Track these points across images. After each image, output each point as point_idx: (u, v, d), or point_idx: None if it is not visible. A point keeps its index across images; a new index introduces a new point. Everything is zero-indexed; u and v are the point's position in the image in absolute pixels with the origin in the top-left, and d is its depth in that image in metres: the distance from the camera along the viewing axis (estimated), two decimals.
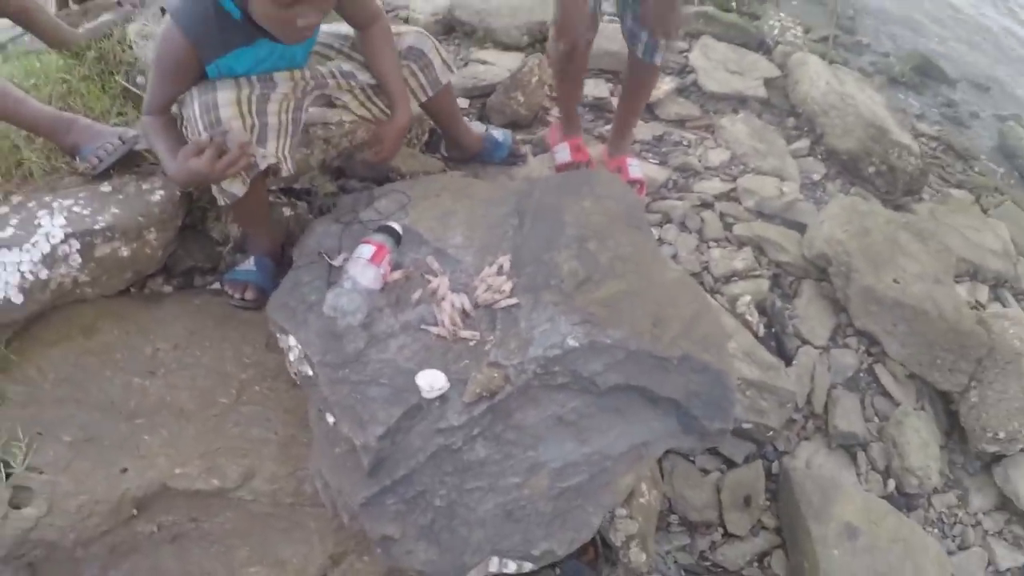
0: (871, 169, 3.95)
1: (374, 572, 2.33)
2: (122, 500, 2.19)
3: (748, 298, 3.29)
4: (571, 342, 2.29)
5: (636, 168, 3.49)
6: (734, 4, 4.64)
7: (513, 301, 2.42)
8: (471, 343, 2.32)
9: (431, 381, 2.17)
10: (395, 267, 2.51)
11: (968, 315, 3.45)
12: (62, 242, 2.46)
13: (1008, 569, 3.31)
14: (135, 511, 2.22)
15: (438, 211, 2.71)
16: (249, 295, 2.75)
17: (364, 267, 2.40)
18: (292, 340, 2.40)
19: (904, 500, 3.24)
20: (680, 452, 2.98)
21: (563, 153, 3.53)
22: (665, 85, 4.03)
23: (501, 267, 2.52)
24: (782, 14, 4.72)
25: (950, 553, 3.22)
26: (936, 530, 3.28)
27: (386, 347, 2.32)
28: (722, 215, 3.65)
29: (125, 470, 2.25)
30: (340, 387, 2.23)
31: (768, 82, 4.20)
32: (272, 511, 2.35)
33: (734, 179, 3.72)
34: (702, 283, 3.39)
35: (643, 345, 2.35)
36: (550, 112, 3.89)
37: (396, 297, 2.44)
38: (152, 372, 2.56)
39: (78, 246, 2.49)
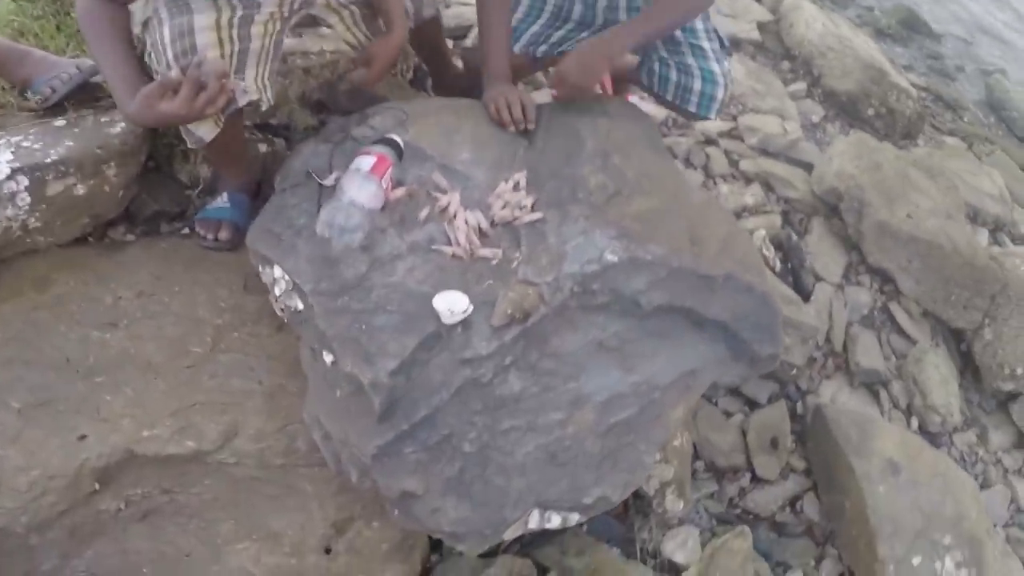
0: (870, 111, 3.56)
1: (388, 539, 1.81)
2: (81, 472, 1.68)
3: (763, 232, 2.85)
4: (609, 256, 1.80)
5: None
6: None
7: (538, 215, 1.92)
8: (493, 262, 1.81)
9: (451, 303, 1.65)
10: (397, 184, 2.01)
11: (981, 251, 3.07)
12: (8, 178, 1.89)
13: None
14: (97, 485, 1.71)
15: (441, 128, 2.19)
16: (223, 235, 2.19)
17: (363, 181, 1.88)
18: (278, 271, 1.88)
19: (928, 438, 2.84)
20: (722, 386, 2.54)
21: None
22: None
23: (518, 183, 2.03)
24: None
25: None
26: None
27: (392, 270, 1.79)
28: (727, 152, 3.21)
29: (84, 437, 1.71)
30: (339, 318, 1.70)
31: (761, 26, 3.79)
32: (260, 475, 1.82)
33: (734, 118, 3.30)
34: None
35: (685, 262, 1.88)
36: None
37: (400, 216, 1.92)
38: (113, 324, 1.99)
39: (27, 183, 1.92)
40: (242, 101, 1.84)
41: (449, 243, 1.86)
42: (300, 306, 1.81)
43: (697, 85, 2.35)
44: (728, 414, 2.58)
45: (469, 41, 3.32)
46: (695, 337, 1.92)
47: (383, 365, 1.59)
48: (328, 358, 1.70)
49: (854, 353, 2.83)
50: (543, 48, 2.48)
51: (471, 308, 1.67)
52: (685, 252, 1.93)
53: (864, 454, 2.38)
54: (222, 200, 2.25)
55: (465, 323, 1.67)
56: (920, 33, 4.55)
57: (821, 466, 2.53)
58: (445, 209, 1.93)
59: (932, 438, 2.84)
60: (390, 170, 1.95)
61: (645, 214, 1.98)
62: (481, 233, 1.90)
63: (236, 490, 1.81)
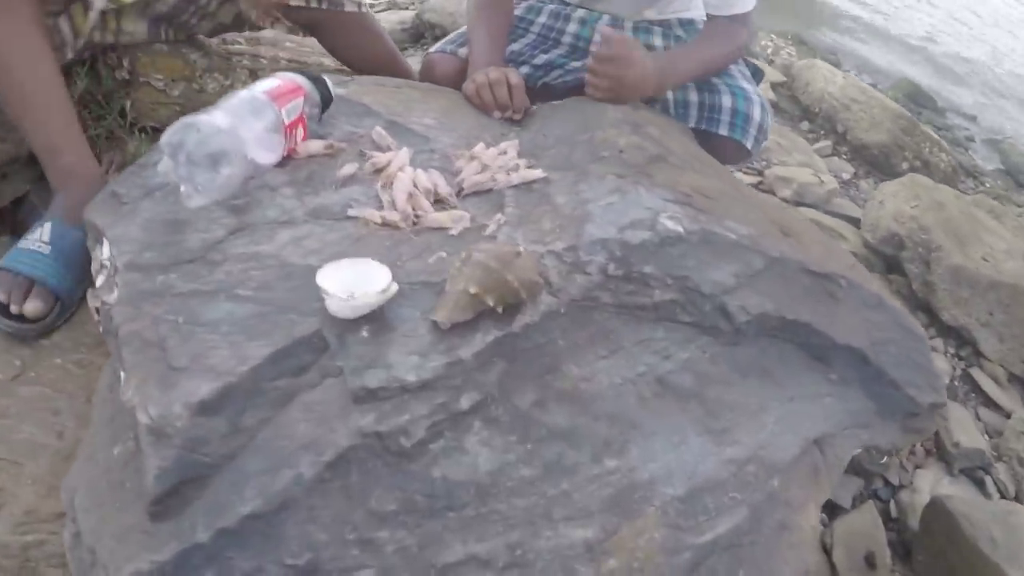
0: (904, 164, 2.61)
1: None
2: None
3: None
4: (668, 223, 0.79)
5: None
6: None
7: (538, 174, 0.92)
8: (452, 232, 0.80)
9: (353, 279, 0.64)
10: (312, 137, 1.05)
11: None
12: None
13: None
14: None
15: (399, 97, 1.24)
16: (31, 306, 0.97)
17: (254, 107, 0.92)
18: (104, 248, 0.90)
19: None
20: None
21: None
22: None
23: (504, 152, 1.07)
24: (772, 35, 3.51)
25: None
26: None
27: (268, 237, 0.78)
28: None
29: None
30: (147, 306, 0.69)
31: (774, 87, 2.93)
32: None
33: (760, 172, 2.35)
34: None
35: (789, 252, 0.87)
36: None
37: (307, 175, 0.94)
38: None
39: None
40: None
41: (379, 208, 0.88)
42: (112, 298, 0.81)
43: (727, 102, 1.35)
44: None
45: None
46: (816, 377, 0.85)
47: (184, 393, 0.58)
48: (122, 378, 0.69)
49: (949, 432, 1.75)
50: (525, 70, 1.53)
51: (394, 289, 0.65)
52: (774, 238, 0.92)
53: (1018, 560, 1.28)
54: (41, 236, 1.02)
55: (379, 320, 0.66)
56: (926, 107, 3.71)
57: None
58: (383, 169, 0.96)
59: None
60: (302, 107, 0.99)
61: (706, 189, 0.99)
62: (438, 201, 0.92)
63: None
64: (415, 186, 0.89)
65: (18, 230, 1.30)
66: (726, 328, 0.81)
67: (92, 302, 0.91)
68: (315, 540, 0.53)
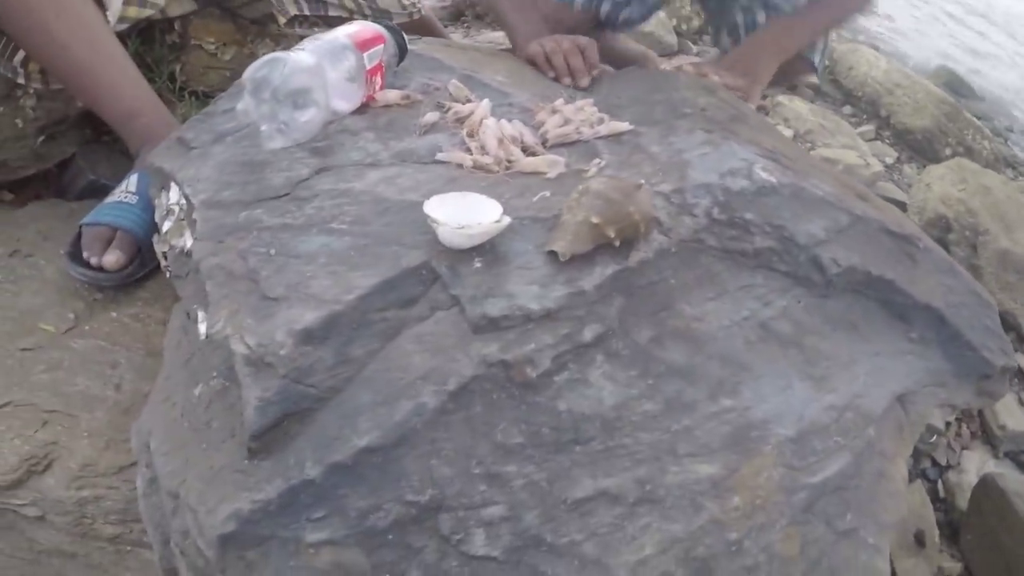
0: (947, 151, 2.54)
1: None
2: None
3: None
4: (762, 173, 0.75)
5: None
6: None
7: (625, 126, 0.87)
8: (548, 175, 0.75)
9: (463, 211, 0.59)
10: (390, 87, 1.00)
11: None
12: None
13: None
14: None
15: (468, 56, 1.18)
16: (110, 258, 0.92)
17: (337, 50, 0.87)
18: (172, 193, 0.85)
19: None
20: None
21: None
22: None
23: (583, 108, 1.01)
24: None
25: None
26: None
27: (357, 176, 0.73)
28: None
29: None
30: (235, 240, 0.64)
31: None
32: (71, 550, 0.75)
33: (807, 152, 2.29)
34: None
35: (870, 212, 0.84)
36: None
37: (388, 121, 0.88)
38: None
39: None
40: None
41: (467, 152, 0.83)
42: (188, 243, 0.76)
43: None
44: None
45: None
46: (897, 335, 0.81)
47: (285, 320, 0.53)
48: (203, 324, 0.64)
49: (995, 415, 1.68)
50: (606, 6, 1.47)
51: (507, 221, 0.60)
52: (860, 202, 0.88)
53: None
54: (127, 187, 0.98)
55: (491, 252, 0.61)
56: (965, 96, 3.61)
57: (996, 567, 1.34)
58: (465, 118, 0.90)
59: None
60: (382, 56, 0.94)
61: (785, 151, 0.93)
62: (525, 150, 0.86)
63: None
64: (503, 132, 0.84)
65: (64, 193, 1.26)
66: (818, 279, 0.78)
67: (159, 248, 0.86)
68: (438, 475, 0.48)
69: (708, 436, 0.55)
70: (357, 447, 0.49)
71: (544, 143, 0.87)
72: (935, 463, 1.57)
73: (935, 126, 2.48)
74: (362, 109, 0.90)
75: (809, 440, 0.59)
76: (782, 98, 2.53)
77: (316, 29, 1.30)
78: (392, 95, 0.94)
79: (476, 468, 0.48)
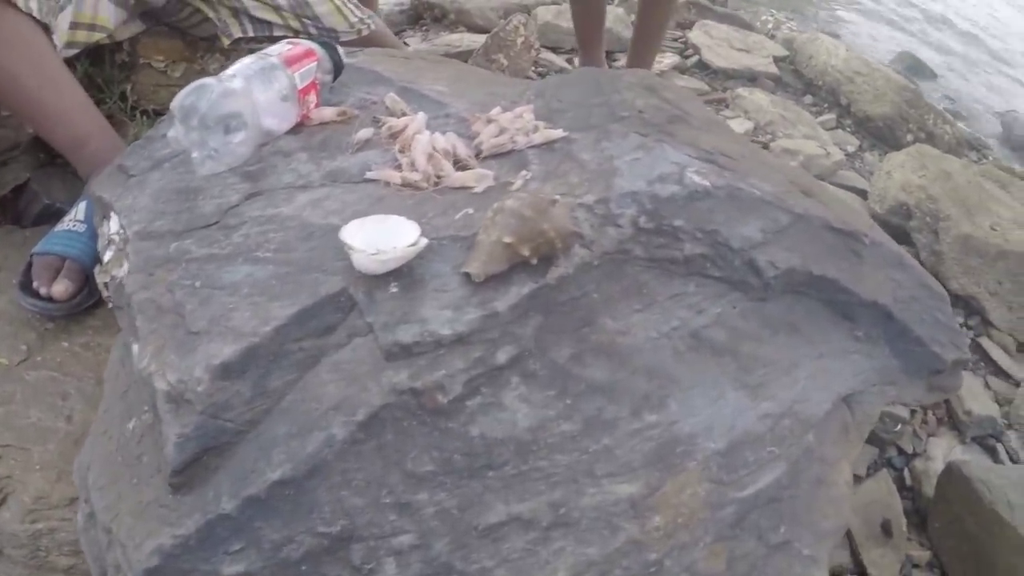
0: (909, 137, 2.55)
1: None
2: None
3: None
4: (695, 178, 0.74)
5: None
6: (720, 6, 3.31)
7: (559, 133, 0.86)
8: (476, 190, 0.74)
9: (379, 235, 0.60)
10: (324, 103, 1.00)
11: None
12: None
13: None
14: None
15: (410, 66, 1.16)
16: (59, 288, 0.91)
17: (267, 71, 0.86)
18: (112, 223, 0.85)
19: None
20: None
21: None
22: (666, 59, 2.66)
23: (521, 116, 1.01)
24: (772, 10, 3.43)
25: None
26: None
27: (286, 200, 0.72)
28: None
29: None
30: (165, 272, 0.64)
31: (778, 61, 2.86)
32: None
33: (765, 145, 2.30)
34: None
35: (813, 209, 0.83)
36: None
37: (322, 140, 0.88)
38: None
39: None
40: None
41: (398, 168, 0.83)
42: (123, 271, 0.75)
43: None
44: None
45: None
46: (843, 334, 0.81)
47: (204, 356, 0.53)
48: (136, 358, 0.64)
49: (961, 400, 1.69)
50: None
51: (423, 243, 0.60)
52: (796, 195, 0.87)
53: None
54: (76, 215, 0.98)
55: (408, 276, 0.61)
56: (927, 78, 3.64)
57: (964, 554, 1.35)
58: (399, 133, 0.90)
59: None
60: (315, 73, 0.94)
61: (726, 150, 0.93)
62: (458, 163, 0.86)
63: None
64: (434, 148, 0.84)
65: (20, 219, 1.25)
66: (755, 283, 0.77)
67: (100, 278, 0.85)
68: (349, 506, 0.48)
69: (629, 455, 0.55)
70: (270, 480, 0.49)
71: (478, 155, 0.87)
72: (901, 451, 1.57)
73: (896, 113, 2.50)
74: (297, 128, 0.90)
75: (741, 452, 0.60)
76: (742, 90, 2.54)
77: (264, 46, 1.29)
78: (327, 112, 0.94)
79: (387, 497, 0.48)
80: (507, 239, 0.57)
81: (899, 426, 1.51)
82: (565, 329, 0.59)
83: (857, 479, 1.45)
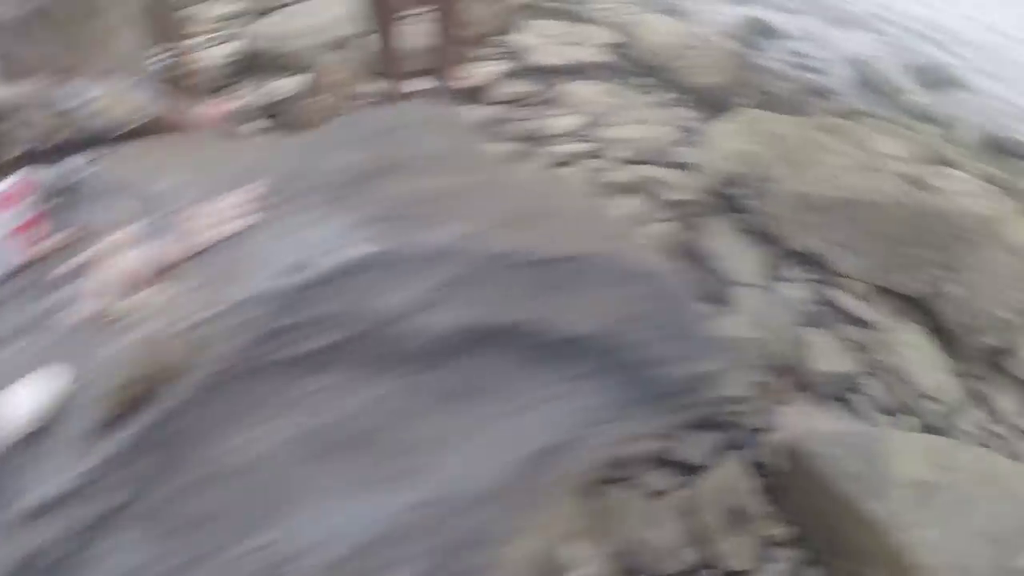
0: (745, 101, 2.65)
1: None
2: None
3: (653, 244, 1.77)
4: (348, 251, 0.76)
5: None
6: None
7: (241, 223, 0.89)
8: (142, 316, 0.75)
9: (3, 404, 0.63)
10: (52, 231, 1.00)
11: (918, 195, 2.09)
12: None
13: None
14: None
15: (159, 159, 1.14)
16: None
17: None
18: None
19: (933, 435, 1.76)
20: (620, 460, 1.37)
21: None
22: (492, 67, 2.68)
23: (229, 203, 1.00)
24: None
25: None
26: None
27: None
28: (591, 169, 2.10)
29: None
30: None
31: (611, 48, 2.92)
32: None
33: (593, 138, 2.27)
34: None
35: (504, 244, 0.83)
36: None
37: (33, 279, 0.89)
38: None
39: None
40: None
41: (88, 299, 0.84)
42: None
43: None
44: (657, 494, 1.43)
45: None
46: (544, 381, 0.83)
47: None
48: None
49: (809, 361, 1.75)
50: None
51: (34, 408, 0.62)
52: (499, 231, 0.87)
53: (883, 491, 1.27)
54: None
55: (45, 436, 0.63)
56: (776, 37, 3.78)
57: (820, 527, 1.41)
58: (102, 254, 0.91)
59: (936, 434, 1.76)
60: (36, 205, 0.95)
61: (429, 193, 0.94)
62: (155, 275, 0.88)
63: None
64: (118, 268, 0.85)
65: None
66: (418, 354, 0.76)
67: None
68: None
69: None
70: None
71: (169, 265, 0.87)
72: (748, 429, 1.61)
73: (730, 80, 2.58)
74: (19, 266, 0.91)
75: (372, 554, 0.61)
76: (571, 87, 2.60)
77: None
78: (47, 243, 0.95)
79: None
80: (122, 382, 0.59)
81: (738, 406, 1.55)
82: (176, 463, 0.61)
83: (701, 470, 1.48)
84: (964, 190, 2.22)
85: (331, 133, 1.13)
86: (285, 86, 2.51)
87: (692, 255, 1.84)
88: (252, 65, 2.83)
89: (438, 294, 0.77)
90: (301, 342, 0.71)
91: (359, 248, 0.76)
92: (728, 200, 2.08)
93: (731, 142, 2.06)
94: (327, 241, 0.77)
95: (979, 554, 1.22)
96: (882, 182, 1.99)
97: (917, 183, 2.54)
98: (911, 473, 1.28)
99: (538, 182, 1.12)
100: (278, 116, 2.43)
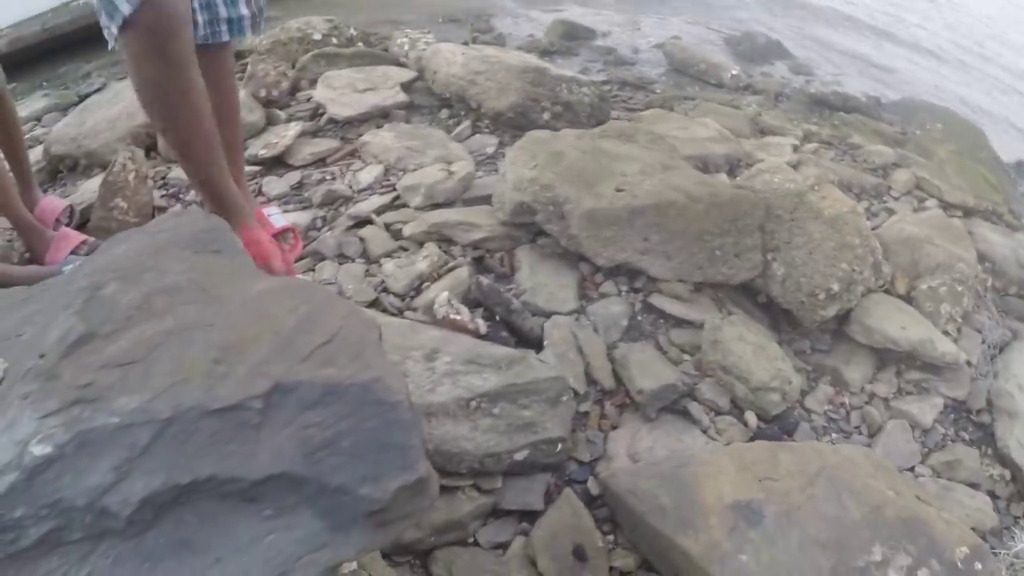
0: (545, 115, 2.68)
1: None
2: None
3: (445, 295, 1.80)
4: (36, 449, 0.80)
5: (279, 216, 2.01)
6: (360, 44, 3.36)
7: None
8: None
9: None
10: None
11: (722, 185, 2.19)
12: None
13: (934, 420, 2.02)
14: None
15: None
16: None
17: None
18: None
19: (778, 426, 1.83)
20: None
21: None
22: (290, 131, 2.66)
23: None
24: (407, 30, 3.51)
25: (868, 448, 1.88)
26: (834, 434, 1.90)
27: None
28: (387, 225, 2.17)
29: None
30: None
31: (408, 87, 2.94)
32: None
33: (394, 187, 2.34)
34: (384, 310, 1.88)
35: (194, 398, 0.87)
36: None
37: None
38: None
39: None
40: None
41: None
42: None
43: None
44: (501, 547, 1.47)
45: None
46: (250, 522, 0.85)
47: None
48: None
49: (632, 379, 1.79)
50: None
51: None
52: (196, 380, 0.90)
53: (693, 524, 1.30)
54: None
55: None
56: (585, 38, 3.93)
57: (656, 556, 1.44)
58: None
59: (783, 423, 1.85)
60: None
61: (134, 349, 0.95)
62: None
63: None
64: None
65: None
66: (118, 527, 0.78)
67: None
68: None
69: None
70: None
71: None
72: (580, 463, 1.64)
73: (523, 98, 2.66)
74: None
75: None
76: (367, 136, 2.62)
77: None
78: None
79: None
80: None
81: (559, 446, 1.57)
82: None
83: (537, 514, 1.50)
84: (779, 164, 2.36)
85: (53, 288, 1.12)
86: (87, 190, 2.43)
87: (493, 298, 1.85)
88: (59, 169, 2.77)
89: (131, 465, 0.81)
90: (12, 543, 0.76)
91: (44, 447, 0.79)
92: (528, 229, 2.12)
93: (518, 169, 2.10)
94: (15, 447, 0.80)
95: (814, 565, 1.26)
96: (682, 179, 2.08)
97: (731, 161, 2.70)
98: (727, 495, 1.33)
99: (268, 297, 1.10)
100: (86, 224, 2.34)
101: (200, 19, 1.51)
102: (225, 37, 1.58)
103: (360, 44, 3.39)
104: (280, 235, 1.86)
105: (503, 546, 1.45)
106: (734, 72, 3.80)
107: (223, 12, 1.54)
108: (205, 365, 0.95)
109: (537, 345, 1.79)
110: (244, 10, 1.58)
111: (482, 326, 1.76)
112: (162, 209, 2.42)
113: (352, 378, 0.96)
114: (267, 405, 0.90)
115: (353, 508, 0.88)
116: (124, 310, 1.04)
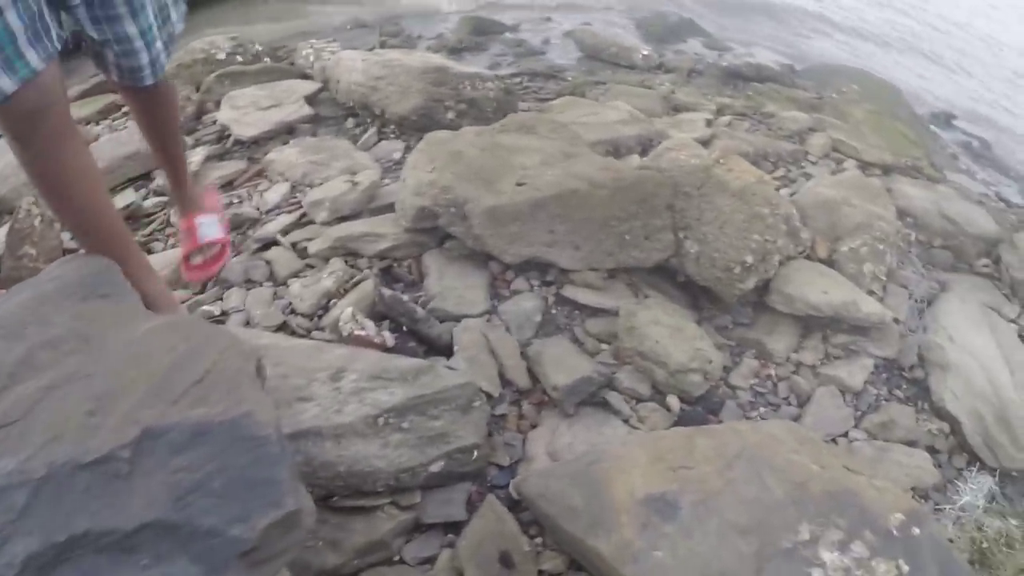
0: (450, 114, 2.66)
1: None
2: None
3: (349, 311, 1.76)
4: None
5: (210, 226, 1.94)
6: (266, 59, 3.29)
7: None
8: None
9: None
10: None
11: (627, 169, 2.18)
12: None
13: (865, 382, 2.04)
14: None
15: None
16: None
17: None
18: None
19: (702, 407, 1.84)
20: None
21: None
22: (196, 157, 2.58)
23: None
24: (312, 40, 3.44)
25: (795, 419, 1.89)
26: (762, 408, 1.91)
27: None
28: (293, 245, 2.13)
29: None
30: None
31: (313, 99, 2.88)
32: None
33: (300, 204, 2.30)
34: (292, 332, 1.82)
35: (67, 453, 0.88)
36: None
37: None
38: None
39: None
40: None
41: None
42: None
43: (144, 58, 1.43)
44: (428, 562, 1.44)
45: None
46: (131, 571, 0.85)
47: None
48: None
49: (547, 376, 1.77)
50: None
51: None
52: (67, 436, 0.90)
53: (605, 523, 1.28)
54: None
55: None
56: (496, 32, 3.91)
57: (579, 555, 1.40)
58: None
59: (708, 403, 1.84)
60: None
61: (20, 405, 0.96)
62: None
63: None
64: None
65: None
66: None
67: None
68: None
69: None
70: None
71: None
72: (500, 468, 1.61)
73: (426, 100, 2.63)
74: None
75: None
76: (272, 154, 2.56)
77: None
78: None
79: None
80: None
81: (475, 453, 1.54)
82: None
83: (461, 525, 1.46)
84: (685, 140, 2.34)
85: None
86: None
87: (397, 308, 1.80)
88: None
89: (11, 528, 0.81)
90: None
91: None
92: (434, 234, 2.08)
93: (417, 173, 2.07)
94: None
95: (736, 552, 1.23)
96: (584, 166, 2.06)
97: (643, 142, 2.68)
98: (639, 489, 1.31)
99: (150, 338, 1.08)
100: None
101: (122, 64, 1.43)
102: (148, 82, 1.50)
103: (266, 60, 3.32)
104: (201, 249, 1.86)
105: (430, 560, 1.44)
106: (645, 52, 3.82)
107: (143, 59, 1.45)
108: (79, 418, 0.96)
109: (448, 352, 1.76)
110: (158, 48, 1.50)
111: (389, 339, 1.72)
112: (73, 250, 2.33)
113: (223, 415, 0.96)
114: (136, 453, 0.91)
115: (225, 550, 0.88)
116: (7, 367, 1.04)
